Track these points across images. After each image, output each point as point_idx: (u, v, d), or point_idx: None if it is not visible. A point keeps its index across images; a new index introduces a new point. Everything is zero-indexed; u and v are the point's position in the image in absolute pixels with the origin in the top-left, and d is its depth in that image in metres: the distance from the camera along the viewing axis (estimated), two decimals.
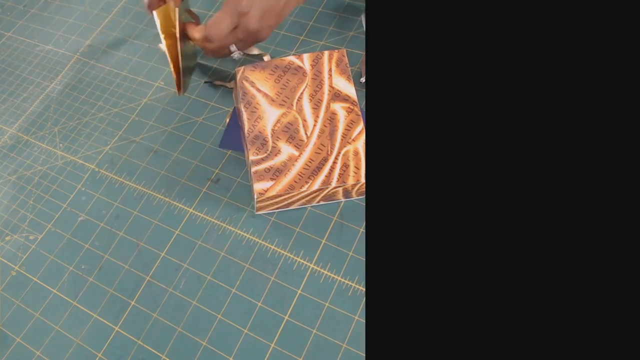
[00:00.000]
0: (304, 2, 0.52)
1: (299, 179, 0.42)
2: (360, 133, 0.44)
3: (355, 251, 0.43)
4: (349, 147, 0.43)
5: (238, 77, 0.46)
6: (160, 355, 0.41)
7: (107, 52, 0.63)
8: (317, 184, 0.42)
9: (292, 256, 0.44)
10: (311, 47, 0.57)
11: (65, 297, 0.45)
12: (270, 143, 0.44)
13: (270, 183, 0.42)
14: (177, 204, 0.48)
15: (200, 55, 0.58)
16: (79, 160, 0.54)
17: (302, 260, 0.43)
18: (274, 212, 0.46)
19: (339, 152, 0.43)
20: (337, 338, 0.39)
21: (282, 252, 0.44)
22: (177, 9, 0.47)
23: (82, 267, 0.46)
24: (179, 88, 0.51)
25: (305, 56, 0.47)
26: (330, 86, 0.46)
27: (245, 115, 0.45)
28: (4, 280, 0.47)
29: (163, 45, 0.48)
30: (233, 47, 0.49)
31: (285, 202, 0.45)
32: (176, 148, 0.52)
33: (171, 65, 0.48)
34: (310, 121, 0.44)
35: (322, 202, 0.46)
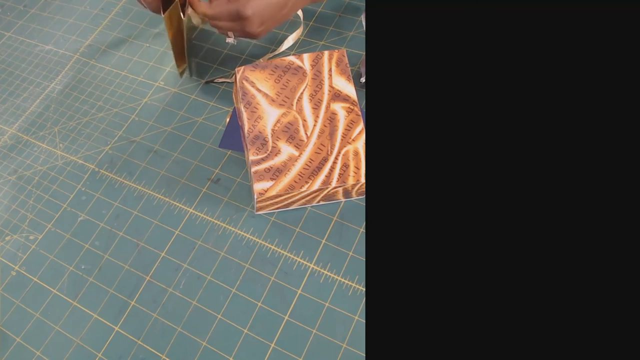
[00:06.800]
0: (304, 6, 0.52)
1: (299, 179, 0.42)
2: (360, 133, 0.44)
3: (355, 251, 0.43)
4: (349, 147, 0.43)
5: (238, 77, 0.46)
6: (160, 355, 0.41)
7: (107, 52, 0.63)
8: (317, 184, 0.42)
9: (292, 256, 0.44)
10: (311, 47, 0.57)
11: (65, 297, 0.45)
12: (270, 143, 0.44)
13: (270, 183, 0.42)
14: (177, 204, 0.48)
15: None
16: (79, 160, 0.54)
17: (302, 260, 0.43)
18: (274, 212, 0.46)
19: (339, 152, 0.43)
20: (337, 338, 0.39)
21: (282, 252, 0.44)
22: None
23: (82, 267, 0.46)
24: (180, 66, 0.52)
25: (305, 56, 0.47)
26: (330, 86, 0.46)
27: (245, 115, 0.45)
28: (4, 280, 0.47)
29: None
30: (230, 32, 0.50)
31: (285, 202, 0.45)
32: (176, 148, 0.52)
33: (170, 38, 0.49)
34: (310, 121, 0.44)
35: (322, 202, 0.46)
